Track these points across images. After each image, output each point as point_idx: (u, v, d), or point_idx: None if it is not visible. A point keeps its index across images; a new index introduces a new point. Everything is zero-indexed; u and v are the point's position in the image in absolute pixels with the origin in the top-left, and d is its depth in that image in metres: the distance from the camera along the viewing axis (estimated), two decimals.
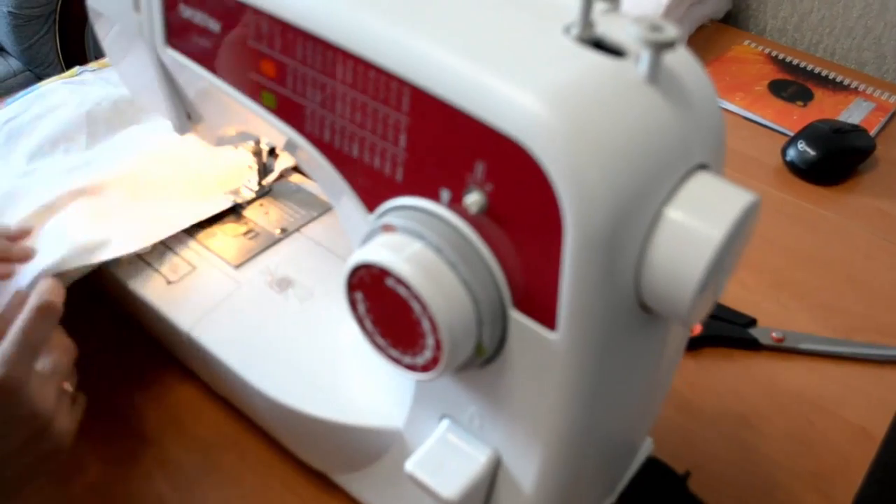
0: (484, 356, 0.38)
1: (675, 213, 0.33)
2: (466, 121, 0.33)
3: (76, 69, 0.87)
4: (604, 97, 0.33)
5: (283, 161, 0.67)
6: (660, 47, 0.32)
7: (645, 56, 0.33)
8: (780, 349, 0.67)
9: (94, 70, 0.86)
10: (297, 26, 0.39)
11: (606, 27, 0.35)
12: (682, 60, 0.36)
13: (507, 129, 0.32)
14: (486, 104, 0.33)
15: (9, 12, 1.92)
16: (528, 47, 0.34)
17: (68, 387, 0.50)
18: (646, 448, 0.52)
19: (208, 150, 0.64)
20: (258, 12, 0.40)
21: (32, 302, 0.47)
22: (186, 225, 0.61)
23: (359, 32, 0.37)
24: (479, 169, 0.34)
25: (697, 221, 0.33)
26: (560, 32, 0.35)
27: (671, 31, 0.32)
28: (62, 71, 1.94)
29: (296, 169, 0.68)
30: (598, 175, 0.31)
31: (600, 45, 0.35)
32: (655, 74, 0.33)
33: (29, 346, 0.45)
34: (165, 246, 0.61)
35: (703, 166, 0.36)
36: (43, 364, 0.47)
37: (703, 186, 0.34)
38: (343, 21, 0.37)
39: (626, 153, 0.32)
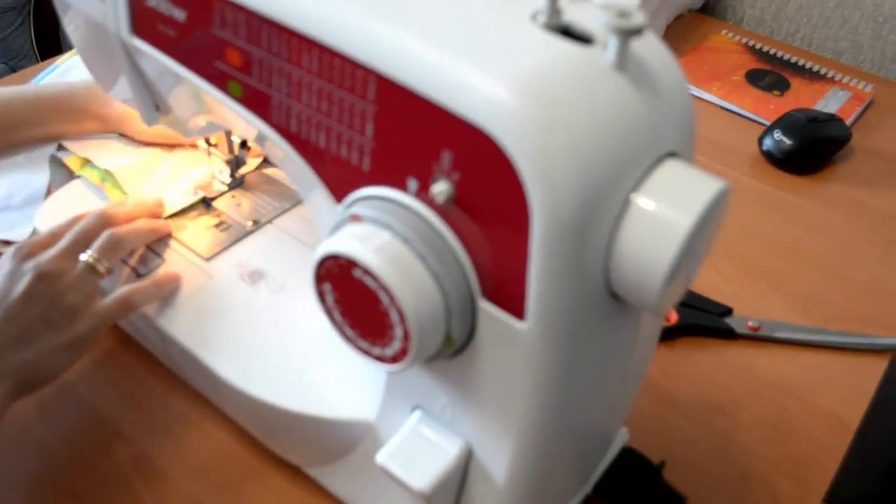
0: (453, 347, 0.37)
1: (643, 201, 0.33)
2: (433, 109, 0.33)
3: None
4: (571, 85, 0.32)
5: (256, 152, 0.66)
6: (627, 34, 0.32)
7: (613, 43, 0.33)
8: (756, 338, 0.67)
9: None
10: (262, 14, 0.38)
11: (574, 14, 0.35)
12: (650, 47, 0.35)
13: (473, 118, 0.32)
14: (451, 92, 0.32)
15: None
16: (494, 34, 0.34)
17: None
18: (621, 438, 0.52)
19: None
20: (223, 0, 0.40)
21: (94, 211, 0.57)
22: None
23: (324, 20, 0.36)
24: (446, 158, 0.34)
25: (666, 209, 0.33)
26: (527, 19, 0.34)
27: (639, 17, 0.32)
28: (37, 62, 1.91)
29: (268, 160, 0.67)
30: (565, 163, 0.31)
31: (568, 32, 0.34)
32: (623, 61, 0.33)
33: (77, 246, 0.54)
34: None
35: (672, 154, 0.35)
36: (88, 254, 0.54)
37: (673, 174, 0.34)
38: (308, 9, 0.36)
39: (594, 141, 0.32)
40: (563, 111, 0.32)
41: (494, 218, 0.33)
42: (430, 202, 0.35)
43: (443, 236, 0.35)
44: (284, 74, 0.39)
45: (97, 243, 0.54)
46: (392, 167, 0.36)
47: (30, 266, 0.51)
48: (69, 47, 0.86)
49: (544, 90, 0.32)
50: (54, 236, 0.55)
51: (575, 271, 0.33)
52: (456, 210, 0.34)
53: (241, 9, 0.39)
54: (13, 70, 1.94)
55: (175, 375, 0.60)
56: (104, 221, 0.56)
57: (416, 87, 0.33)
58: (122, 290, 0.54)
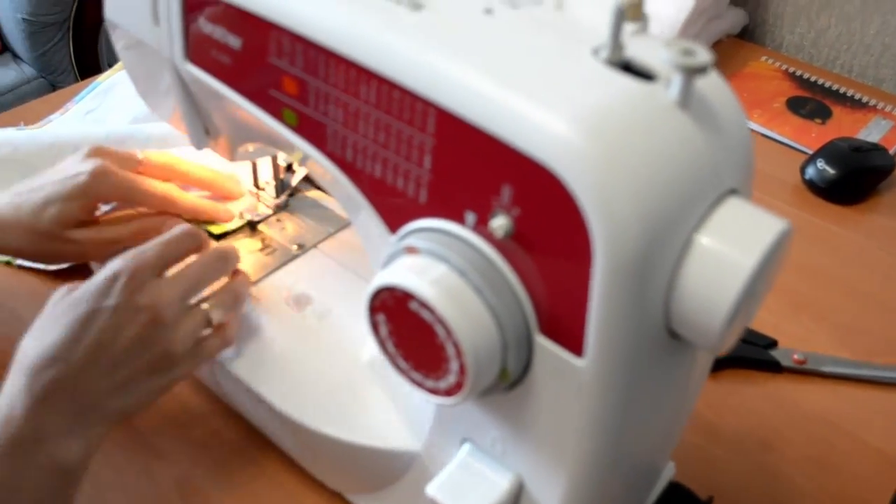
0: (508, 381, 0.37)
1: (706, 240, 0.33)
2: (493, 144, 0.33)
3: None
4: (634, 122, 0.32)
5: (301, 176, 0.66)
6: (692, 72, 0.32)
7: (677, 80, 0.32)
8: (802, 371, 0.66)
9: None
10: (321, 44, 0.38)
11: (635, 49, 0.35)
12: (712, 83, 0.35)
13: (535, 154, 0.32)
14: (514, 128, 0.32)
15: (23, 19, 1.92)
16: (556, 70, 0.34)
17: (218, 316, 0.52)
18: (668, 472, 0.51)
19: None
20: (281, 29, 0.40)
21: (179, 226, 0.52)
22: None
23: (384, 53, 0.36)
24: (506, 193, 0.33)
25: (729, 248, 0.32)
26: (589, 55, 0.34)
27: (704, 55, 0.31)
28: (76, 78, 1.94)
29: (312, 183, 0.68)
30: (628, 201, 0.31)
31: (630, 67, 0.34)
32: (687, 99, 0.33)
33: (197, 287, 0.51)
34: None
35: (733, 191, 0.35)
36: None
37: (735, 212, 0.34)
38: (369, 41, 0.37)
39: (658, 179, 0.32)
40: (626, 148, 0.31)
41: (554, 254, 0.33)
42: (488, 236, 0.35)
43: (500, 270, 0.35)
44: (341, 105, 0.39)
45: (221, 297, 0.52)
46: (449, 200, 0.36)
47: (144, 303, 0.47)
48: (108, 63, 0.88)
49: (608, 127, 0.31)
50: (162, 258, 0.50)
51: (635, 309, 0.33)
52: (514, 245, 0.34)
53: (299, 38, 0.39)
54: (52, 85, 1.96)
55: (217, 397, 0.60)
56: (225, 264, 0.53)
57: (477, 122, 0.33)
58: (222, 331, 0.52)
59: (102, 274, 0.48)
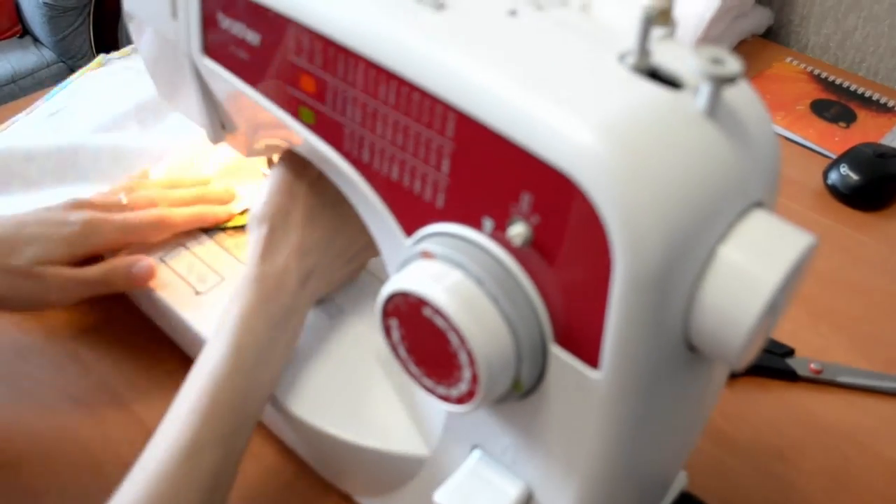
0: (521, 391, 0.37)
1: (730, 253, 0.32)
2: (514, 150, 0.32)
3: (101, 57, 0.87)
4: (659, 131, 0.31)
5: None
6: (721, 81, 0.31)
7: (704, 89, 0.31)
8: (818, 381, 0.65)
9: (120, 58, 0.87)
10: (341, 43, 0.37)
11: (663, 56, 0.34)
12: (740, 92, 0.34)
13: (556, 161, 0.31)
14: (535, 134, 0.31)
15: (44, 3, 1.93)
16: (580, 75, 0.33)
17: None
18: (679, 482, 0.50)
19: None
20: (300, 27, 0.39)
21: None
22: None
23: (405, 53, 0.35)
24: (526, 200, 0.33)
25: (753, 263, 0.32)
26: (614, 60, 0.33)
27: (734, 64, 0.30)
28: None
29: None
30: (651, 212, 0.30)
31: (656, 75, 0.33)
32: (714, 109, 0.32)
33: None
34: (194, 255, 0.60)
35: (758, 204, 0.34)
36: None
37: (760, 226, 0.33)
38: (389, 40, 0.36)
39: (682, 190, 0.31)
40: (650, 158, 0.31)
41: (573, 264, 0.32)
42: (506, 243, 0.34)
43: (517, 279, 0.34)
44: (360, 104, 0.38)
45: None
46: (467, 205, 0.35)
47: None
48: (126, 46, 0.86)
49: (632, 136, 0.31)
50: None
51: (654, 322, 0.32)
52: (532, 253, 0.33)
53: (319, 36, 0.39)
54: (71, 69, 1.97)
55: None
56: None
57: (498, 127, 0.33)
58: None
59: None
